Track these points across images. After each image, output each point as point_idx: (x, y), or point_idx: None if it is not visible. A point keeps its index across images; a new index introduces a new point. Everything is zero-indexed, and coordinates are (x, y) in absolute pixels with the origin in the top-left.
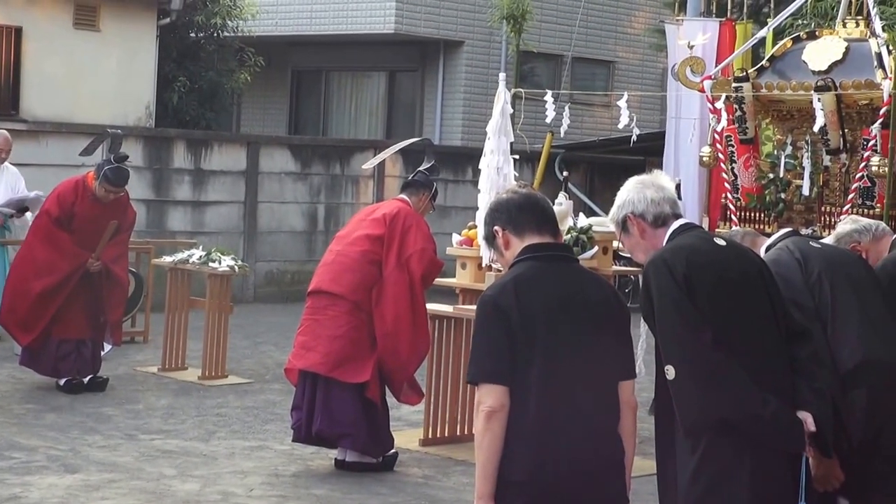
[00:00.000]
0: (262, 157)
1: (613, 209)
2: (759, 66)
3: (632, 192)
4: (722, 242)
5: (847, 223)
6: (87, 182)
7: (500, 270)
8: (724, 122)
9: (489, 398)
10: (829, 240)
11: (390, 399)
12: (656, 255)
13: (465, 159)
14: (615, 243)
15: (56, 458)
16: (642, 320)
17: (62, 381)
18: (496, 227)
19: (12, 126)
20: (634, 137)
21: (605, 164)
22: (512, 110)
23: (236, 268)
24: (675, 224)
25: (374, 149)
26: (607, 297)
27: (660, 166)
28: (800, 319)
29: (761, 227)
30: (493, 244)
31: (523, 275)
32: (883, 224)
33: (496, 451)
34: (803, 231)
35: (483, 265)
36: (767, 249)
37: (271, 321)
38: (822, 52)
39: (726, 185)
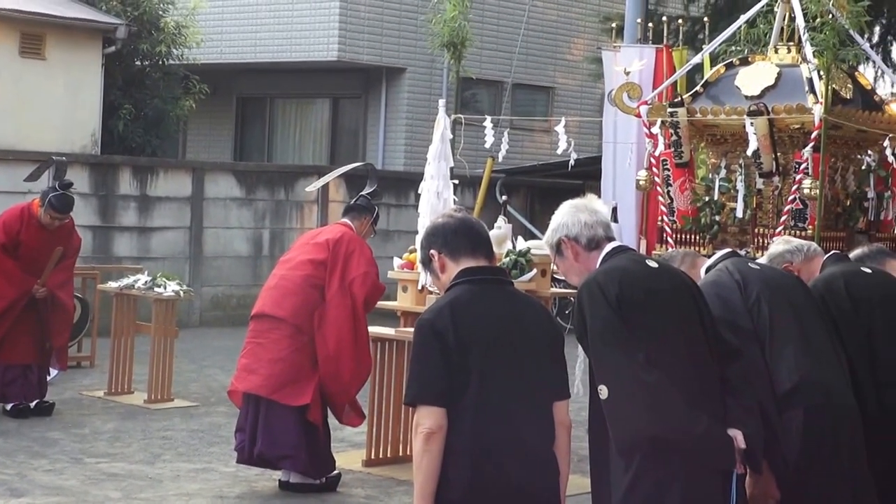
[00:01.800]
0: (208, 183)
1: (548, 233)
2: (693, 91)
3: (566, 215)
4: (654, 264)
5: (779, 244)
6: (33, 209)
7: (437, 293)
8: (660, 147)
9: (427, 420)
10: (762, 260)
11: (333, 420)
12: (589, 278)
13: (408, 184)
14: (552, 266)
15: (2, 482)
16: (576, 341)
17: (8, 406)
18: (432, 251)
19: None
20: (573, 162)
21: (544, 189)
22: (452, 136)
23: (181, 293)
24: (608, 247)
25: (318, 174)
26: (541, 318)
27: (598, 190)
28: (731, 339)
29: (697, 248)
30: (430, 268)
31: (459, 298)
32: (814, 245)
33: (434, 472)
34: (739, 252)
35: (421, 288)
36: (707, 270)
37: (217, 345)
38: (754, 78)
39: (662, 207)
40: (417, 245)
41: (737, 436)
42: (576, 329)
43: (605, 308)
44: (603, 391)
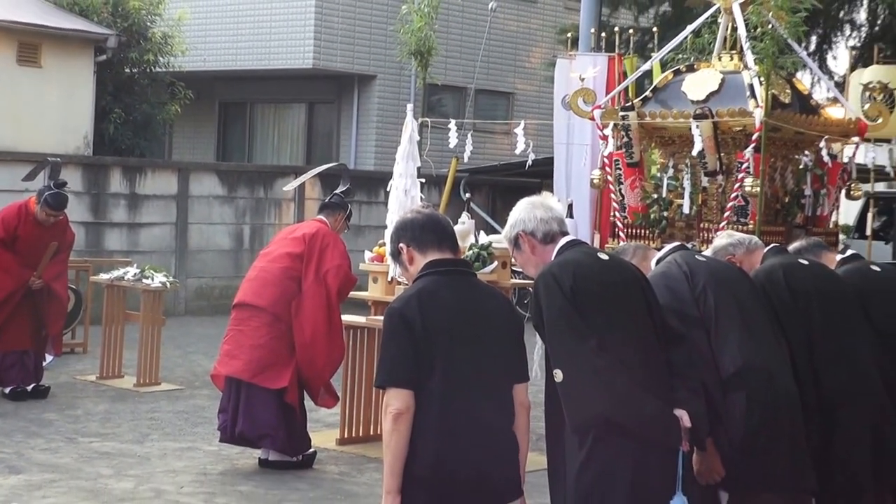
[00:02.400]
0: (192, 182)
1: (506, 228)
2: (643, 96)
3: (523, 212)
4: (605, 257)
5: (723, 238)
6: (30, 206)
7: (405, 283)
8: (611, 147)
9: (396, 401)
10: (707, 253)
11: (309, 402)
12: (545, 269)
13: (378, 182)
14: (511, 259)
15: (1, 460)
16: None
17: (7, 390)
18: (401, 245)
19: None
20: (530, 162)
21: (505, 187)
22: (419, 138)
23: (168, 284)
24: (563, 241)
25: (295, 174)
26: (501, 306)
27: (553, 188)
28: (678, 326)
29: (647, 242)
30: (399, 260)
31: (426, 288)
32: (756, 238)
33: (402, 450)
34: (687, 245)
35: (390, 279)
36: (657, 262)
37: (201, 332)
38: (699, 84)
39: (614, 204)
40: (387, 239)
41: (683, 416)
42: (533, 317)
43: (560, 298)
44: (558, 375)
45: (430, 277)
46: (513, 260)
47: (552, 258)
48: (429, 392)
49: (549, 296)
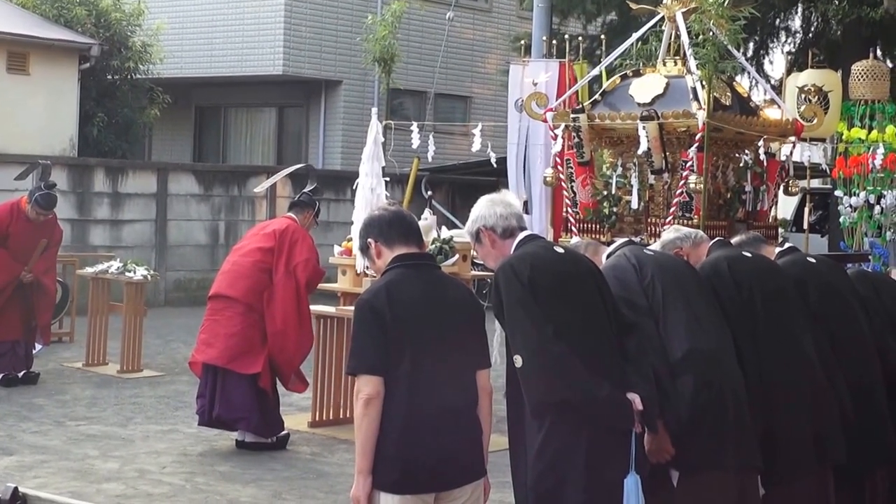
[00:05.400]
0: (171, 181)
1: (468, 223)
2: (593, 99)
3: (483, 208)
4: (560, 250)
5: (671, 232)
6: (21, 205)
7: (373, 276)
8: (558, 146)
9: (367, 387)
10: (655, 246)
11: (281, 388)
12: (505, 262)
13: (345, 181)
14: (472, 252)
15: None
16: (494, 317)
17: None
18: (369, 240)
19: None
20: (493, 162)
21: (464, 185)
22: (383, 139)
23: (149, 276)
24: (521, 235)
25: (267, 174)
26: (464, 297)
27: (508, 186)
28: (629, 315)
29: (597, 236)
30: (367, 254)
31: (394, 280)
32: (701, 232)
33: (373, 432)
34: (635, 239)
35: (358, 272)
36: (608, 256)
37: (180, 322)
38: (646, 87)
39: (567, 201)
40: (354, 234)
41: (635, 399)
42: (493, 306)
43: (519, 288)
44: (517, 360)
45: (398, 270)
46: (473, 253)
47: (511, 251)
48: (397, 378)
49: (509, 286)
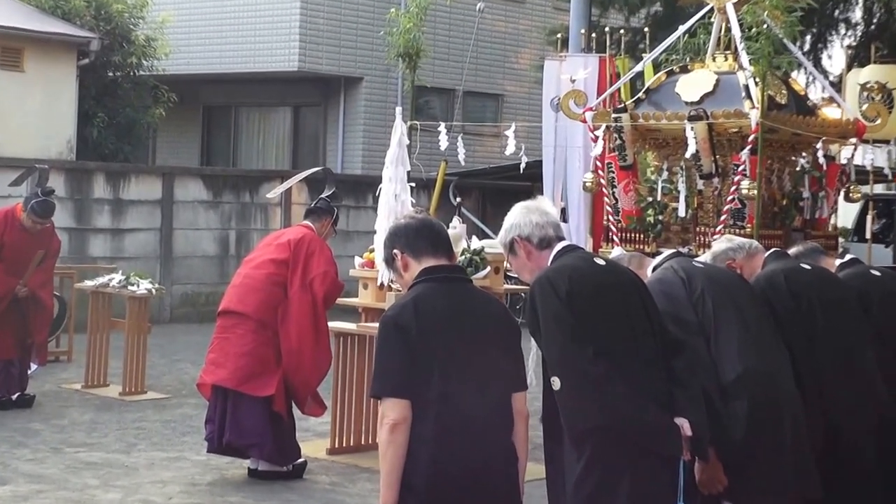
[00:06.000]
0: (177, 187)
1: (501, 232)
2: (636, 97)
3: (518, 216)
4: (602, 262)
5: (722, 242)
6: (16, 213)
7: (398, 290)
8: (599, 148)
9: (392, 412)
10: (705, 257)
11: (297, 411)
12: (541, 275)
13: (366, 187)
14: (505, 264)
15: None
16: (530, 335)
17: None
18: (395, 251)
19: None
20: (523, 165)
21: (495, 190)
22: (408, 141)
23: (153, 290)
24: (559, 246)
25: (281, 178)
26: (499, 313)
27: (543, 192)
28: (677, 332)
29: (641, 247)
30: (393, 266)
31: (421, 295)
32: (755, 242)
33: (399, 461)
34: (683, 251)
35: (381, 285)
36: (654, 269)
37: (187, 340)
38: (694, 85)
39: (608, 208)
40: (376, 245)
41: (683, 424)
42: (529, 323)
43: (556, 303)
44: (555, 382)
45: (426, 284)
46: (507, 265)
47: (548, 263)
48: (425, 401)
49: (545, 302)
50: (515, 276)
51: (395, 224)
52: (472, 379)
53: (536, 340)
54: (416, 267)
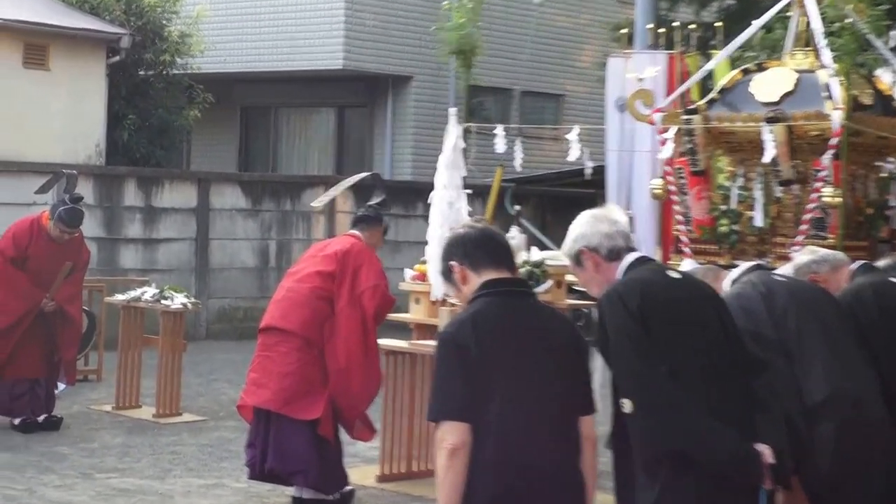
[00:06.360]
0: (213, 194)
1: (567, 243)
2: (709, 98)
3: (585, 225)
4: (676, 275)
5: (805, 254)
6: (42, 222)
7: (453, 305)
8: (668, 152)
9: (451, 436)
10: (786, 270)
11: (344, 435)
12: (611, 289)
13: (416, 194)
14: (568, 277)
15: (12, 497)
16: (597, 354)
17: (16, 421)
18: (452, 263)
19: None
20: (588, 171)
21: (555, 198)
22: (464, 144)
23: (189, 305)
24: (629, 257)
25: (325, 184)
26: (566, 331)
27: (607, 199)
28: (756, 351)
29: (714, 259)
30: (450, 279)
31: (482, 311)
32: (840, 254)
33: (458, 488)
34: (763, 263)
35: (434, 300)
36: (732, 283)
37: (224, 358)
38: (771, 84)
39: (678, 217)
40: (429, 256)
41: (764, 450)
42: (597, 341)
43: (627, 320)
44: (626, 405)
45: (486, 299)
46: (571, 278)
47: (618, 276)
48: (486, 425)
49: (615, 318)
50: (583, 289)
51: (452, 234)
52: (536, 401)
53: (605, 359)
54: (475, 280)
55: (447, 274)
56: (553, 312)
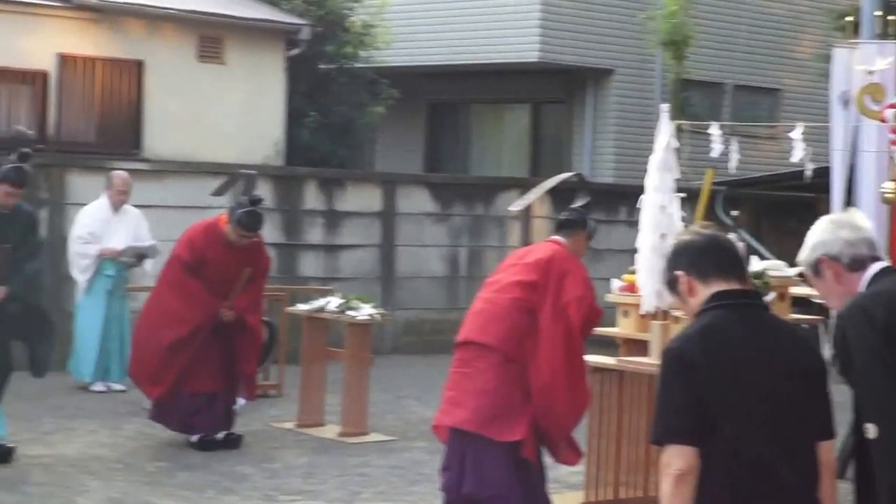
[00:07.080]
0: (399, 197)
1: (805, 251)
2: None
3: (825, 232)
4: None
5: None
6: (219, 226)
7: (665, 318)
8: None
9: (678, 460)
10: None
11: (547, 459)
12: (853, 302)
13: (619, 197)
14: (792, 289)
15: None
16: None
17: (195, 438)
18: (678, 272)
19: (134, 166)
20: (809, 172)
21: (771, 202)
22: (677, 144)
23: (377, 316)
24: (875, 267)
25: (519, 187)
26: (803, 348)
27: (831, 203)
28: None
29: None
30: (676, 290)
31: (711, 325)
32: None
33: None
34: None
35: (643, 312)
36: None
37: (411, 373)
38: None
39: None
40: (639, 265)
41: None
42: (837, 360)
43: (872, 336)
44: (871, 430)
45: (716, 312)
46: (797, 290)
47: (861, 288)
48: (715, 449)
49: (859, 334)
50: (823, 301)
51: (677, 241)
52: (771, 425)
53: (846, 380)
54: (703, 291)
55: (672, 285)
56: (789, 327)
